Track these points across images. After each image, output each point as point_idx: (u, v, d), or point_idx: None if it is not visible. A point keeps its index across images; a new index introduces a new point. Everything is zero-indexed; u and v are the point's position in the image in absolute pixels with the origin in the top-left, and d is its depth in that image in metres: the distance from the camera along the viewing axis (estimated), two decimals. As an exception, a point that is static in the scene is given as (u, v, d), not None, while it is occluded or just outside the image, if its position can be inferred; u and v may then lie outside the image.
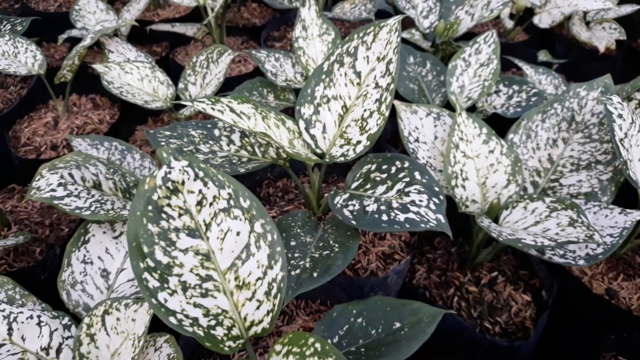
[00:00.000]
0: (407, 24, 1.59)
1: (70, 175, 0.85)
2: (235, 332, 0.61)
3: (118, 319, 0.69)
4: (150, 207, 0.59)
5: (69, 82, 1.21)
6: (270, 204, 1.07)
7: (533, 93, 1.18)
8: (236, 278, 0.62)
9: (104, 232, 0.85)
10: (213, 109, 0.76)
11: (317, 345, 0.57)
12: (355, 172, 0.88)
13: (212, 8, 1.46)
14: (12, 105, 1.31)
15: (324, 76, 0.87)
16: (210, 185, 0.61)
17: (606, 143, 0.92)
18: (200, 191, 0.61)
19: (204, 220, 0.61)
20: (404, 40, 1.42)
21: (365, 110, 0.82)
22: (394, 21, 0.80)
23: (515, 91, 1.21)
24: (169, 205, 0.60)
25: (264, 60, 1.22)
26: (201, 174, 0.61)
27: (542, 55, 1.47)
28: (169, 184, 0.60)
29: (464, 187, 0.92)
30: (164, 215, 0.60)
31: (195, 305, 0.60)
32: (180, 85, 1.18)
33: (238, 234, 0.62)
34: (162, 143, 0.85)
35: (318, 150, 0.88)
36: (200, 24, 1.35)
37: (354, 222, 0.78)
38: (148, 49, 1.65)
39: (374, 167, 0.86)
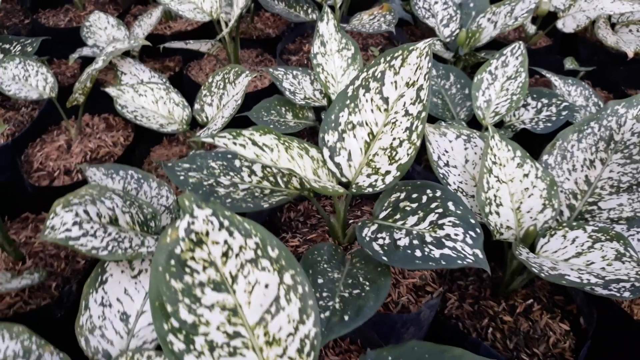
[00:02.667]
0: (427, 33, 1.54)
1: (86, 212, 0.81)
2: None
3: (140, 372, 0.66)
4: (172, 262, 0.55)
5: (82, 104, 1.17)
6: (292, 230, 1.03)
7: (563, 107, 1.13)
8: (265, 333, 0.57)
9: (122, 272, 0.81)
10: (235, 143, 0.72)
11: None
12: (383, 201, 0.83)
13: (226, 22, 1.42)
14: (24, 128, 1.28)
15: (348, 101, 0.82)
16: (236, 234, 0.57)
17: (649, 164, 0.87)
18: (225, 241, 0.57)
19: (230, 273, 0.57)
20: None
21: (394, 138, 0.77)
22: (424, 45, 0.75)
23: (545, 105, 1.16)
24: (192, 258, 0.56)
25: (281, 78, 1.18)
26: (226, 223, 0.57)
27: (569, 63, 1.41)
28: (193, 236, 0.56)
29: (497, 213, 0.87)
30: (187, 270, 0.56)
31: (225, 366, 0.56)
32: (196, 107, 1.15)
33: (267, 286, 0.57)
34: (181, 177, 0.81)
35: (343, 179, 0.83)
36: (214, 39, 1.31)
37: (385, 259, 0.74)
38: (161, 64, 1.62)
39: (403, 195, 0.82)
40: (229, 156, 0.85)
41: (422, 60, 0.75)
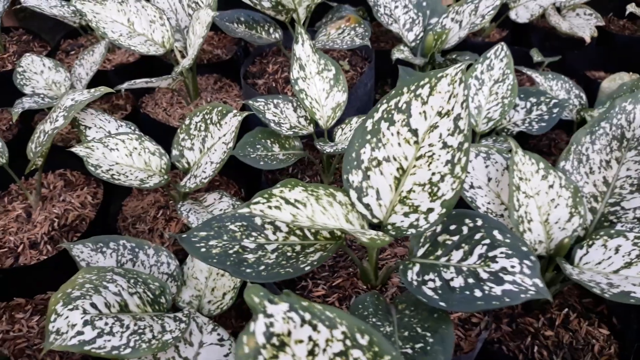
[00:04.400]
0: (392, 39, 1.50)
1: (93, 305, 0.70)
2: None
3: None
4: (256, 375, 0.46)
5: (40, 167, 1.02)
6: (310, 276, 0.95)
7: (553, 104, 1.12)
8: None
9: (146, 366, 0.71)
10: (270, 207, 0.64)
11: None
12: (418, 237, 0.77)
13: (180, 50, 1.30)
14: (-33, 201, 1.11)
15: (369, 136, 0.75)
16: (320, 327, 0.49)
17: (665, 158, 0.87)
18: (310, 338, 0.48)
19: (319, 372, 0.49)
20: (400, 61, 1.32)
21: (433, 173, 0.71)
22: (455, 71, 0.69)
23: (534, 104, 1.14)
24: (277, 365, 0.47)
25: (263, 109, 1.09)
26: (307, 316, 0.49)
27: (536, 56, 1.42)
28: (274, 340, 0.47)
29: (530, 230, 0.84)
30: (273, 380, 0.47)
31: None
32: (174, 152, 1.03)
33: (362, 379, 0.50)
34: (202, 249, 0.71)
35: (375, 220, 0.77)
36: (176, 73, 1.20)
37: (443, 304, 0.68)
38: (110, 103, 1.47)
39: (439, 228, 0.76)
40: (248, 214, 0.76)
41: (455, 88, 0.69)
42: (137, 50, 1.19)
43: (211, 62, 1.57)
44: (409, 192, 0.74)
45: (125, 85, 1.12)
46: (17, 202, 1.14)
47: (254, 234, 0.75)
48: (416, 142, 0.73)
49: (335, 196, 0.75)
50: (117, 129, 1.06)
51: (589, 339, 0.89)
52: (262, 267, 0.71)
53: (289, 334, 0.48)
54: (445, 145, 0.71)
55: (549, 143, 1.39)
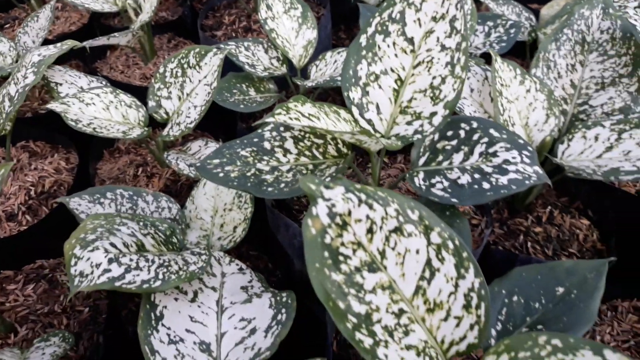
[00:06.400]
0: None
1: (113, 245, 0.68)
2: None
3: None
4: (326, 254, 0.48)
5: (9, 133, 0.96)
6: (307, 207, 0.96)
7: (509, 25, 1.18)
8: (425, 301, 0.53)
9: (176, 299, 0.70)
10: (290, 118, 0.64)
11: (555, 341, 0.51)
12: (418, 148, 0.80)
13: (134, 9, 1.25)
14: None
15: (364, 52, 0.77)
16: (375, 206, 0.51)
17: (624, 56, 0.94)
18: (367, 216, 0.50)
19: (378, 249, 0.51)
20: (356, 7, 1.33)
21: (434, 77, 0.74)
22: (446, -26, 0.72)
23: (491, 27, 1.20)
24: (342, 244, 0.49)
25: (235, 52, 1.07)
26: (363, 196, 0.50)
27: (482, -12, 1.47)
28: (338, 219, 0.49)
29: (514, 133, 0.89)
30: (341, 258, 0.49)
31: (408, 347, 0.50)
32: (151, 104, 1.00)
33: (417, 251, 0.52)
34: (221, 174, 0.70)
35: (377, 135, 0.79)
36: (135, 28, 1.15)
37: (455, 200, 0.72)
38: (59, 72, 1.39)
39: (436, 136, 0.80)
40: (256, 139, 0.76)
41: (447, -9, 0.72)
42: (91, 7, 1.14)
43: (159, 24, 1.52)
44: (410, 100, 0.76)
45: (90, 42, 1.06)
46: (-18, 177, 1.06)
47: (265, 157, 0.75)
48: (413, 51, 0.75)
49: (339, 113, 0.76)
50: (89, 84, 1.01)
51: (573, 229, 0.97)
52: (283, 185, 0.71)
53: (350, 213, 0.49)
54: (443, 48, 0.73)
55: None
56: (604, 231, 0.97)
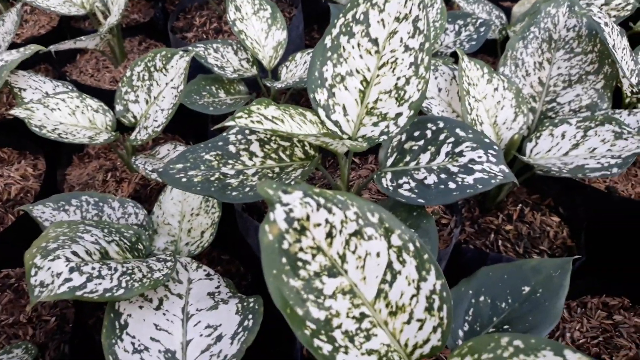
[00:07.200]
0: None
1: (74, 253, 0.67)
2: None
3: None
4: (284, 260, 0.47)
5: (-29, 141, 0.94)
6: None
7: (479, 24, 1.18)
8: (387, 304, 0.53)
9: (141, 307, 0.69)
10: (252, 121, 0.63)
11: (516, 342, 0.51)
12: (385, 148, 0.80)
13: (102, 12, 1.23)
14: None
15: (329, 53, 0.77)
16: (334, 209, 0.50)
17: (590, 53, 0.95)
18: (326, 220, 0.50)
19: (338, 253, 0.50)
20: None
21: (398, 78, 0.74)
22: (407, -26, 0.71)
23: (462, 26, 1.20)
24: (301, 249, 0.48)
25: (204, 54, 1.06)
26: (321, 200, 0.50)
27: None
28: (296, 225, 0.48)
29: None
30: (299, 264, 0.48)
31: (369, 352, 0.50)
32: (118, 108, 0.99)
33: (378, 254, 0.52)
34: (183, 179, 0.69)
35: (344, 136, 0.79)
36: (102, 32, 1.13)
37: (421, 200, 0.72)
38: (27, 77, 1.36)
39: (404, 137, 0.80)
40: (220, 143, 0.75)
41: (410, -9, 0.71)
42: (57, 11, 1.12)
43: (130, 26, 1.50)
44: (376, 101, 0.76)
45: (56, 46, 1.04)
46: (-54, 185, 1.04)
47: (230, 161, 0.74)
48: (377, 52, 0.75)
49: (305, 115, 0.76)
50: (54, 89, 1.00)
51: (544, 227, 0.97)
52: (248, 189, 0.70)
53: (308, 218, 0.49)
54: (407, 49, 0.73)
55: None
56: (574, 228, 0.98)
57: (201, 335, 0.67)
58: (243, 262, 0.97)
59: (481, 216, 1.00)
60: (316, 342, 0.46)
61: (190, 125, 1.20)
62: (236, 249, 0.98)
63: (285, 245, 0.47)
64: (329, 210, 0.50)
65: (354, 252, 0.51)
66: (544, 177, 0.99)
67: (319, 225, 0.49)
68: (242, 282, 0.92)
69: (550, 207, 1.03)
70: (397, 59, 0.74)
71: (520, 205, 1.01)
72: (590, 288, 0.90)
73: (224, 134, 0.75)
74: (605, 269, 0.95)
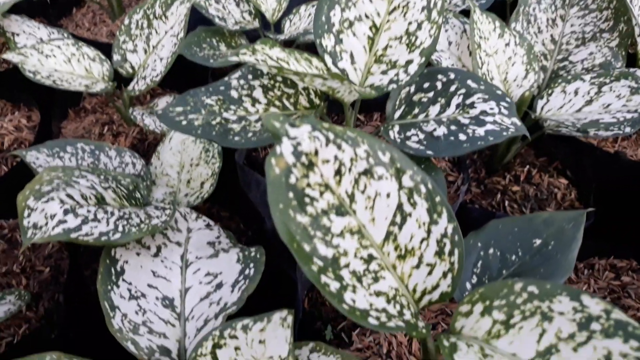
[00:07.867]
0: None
1: (69, 196, 0.64)
2: (405, 310, 0.51)
3: (238, 348, 0.55)
4: (291, 195, 0.45)
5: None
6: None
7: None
8: (396, 248, 0.50)
9: (138, 254, 0.67)
10: (257, 60, 0.60)
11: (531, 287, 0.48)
12: (393, 101, 0.77)
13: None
14: None
15: (337, -4, 0.73)
16: (344, 146, 0.48)
17: (605, 10, 0.92)
18: (335, 157, 0.47)
19: (346, 192, 0.48)
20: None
21: (410, 23, 0.71)
22: None
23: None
24: (308, 185, 0.46)
25: (205, 4, 1.02)
26: (331, 135, 0.47)
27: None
28: (303, 159, 0.45)
29: (493, 87, 0.86)
30: (307, 200, 0.46)
31: (377, 294, 0.48)
32: (116, 58, 0.95)
33: (388, 195, 0.50)
34: (183, 122, 0.66)
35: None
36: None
37: (430, 152, 0.70)
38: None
39: (412, 89, 0.77)
40: (222, 88, 0.72)
41: None
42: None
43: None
44: (385, 48, 0.73)
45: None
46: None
47: (232, 107, 0.71)
48: (387, -4, 0.72)
49: (311, 61, 0.72)
50: (49, 36, 0.96)
51: (552, 188, 0.95)
52: (250, 134, 0.68)
53: (316, 153, 0.46)
54: (420, -9, 0.70)
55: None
56: (582, 190, 0.96)
57: (200, 282, 0.65)
58: (243, 219, 0.94)
59: (488, 177, 0.97)
60: (323, 278, 0.44)
61: (189, 80, 1.16)
62: (236, 206, 0.95)
63: (293, 180, 0.45)
64: (339, 147, 0.47)
65: (363, 192, 0.49)
66: (552, 139, 0.96)
67: (327, 161, 0.47)
68: (242, 238, 0.90)
69: (558, 169, 1.00)
70: (409, 2, 0.70)
71: (527, 166, 0.98)
72: (599, 250, 0.89)
73: (226, 78, 0.72)
74: (614, 232, 0.93)
